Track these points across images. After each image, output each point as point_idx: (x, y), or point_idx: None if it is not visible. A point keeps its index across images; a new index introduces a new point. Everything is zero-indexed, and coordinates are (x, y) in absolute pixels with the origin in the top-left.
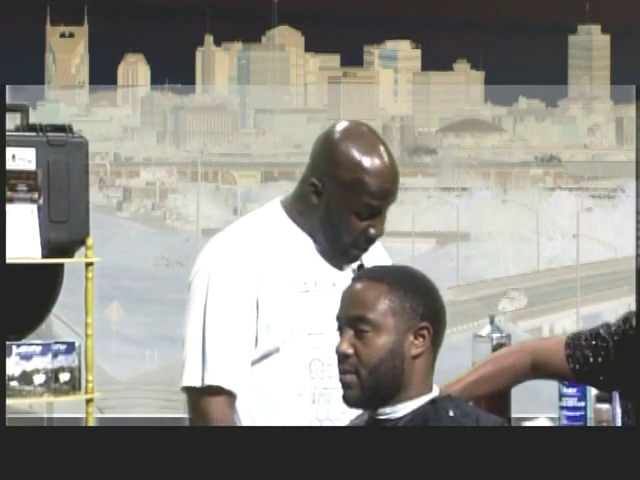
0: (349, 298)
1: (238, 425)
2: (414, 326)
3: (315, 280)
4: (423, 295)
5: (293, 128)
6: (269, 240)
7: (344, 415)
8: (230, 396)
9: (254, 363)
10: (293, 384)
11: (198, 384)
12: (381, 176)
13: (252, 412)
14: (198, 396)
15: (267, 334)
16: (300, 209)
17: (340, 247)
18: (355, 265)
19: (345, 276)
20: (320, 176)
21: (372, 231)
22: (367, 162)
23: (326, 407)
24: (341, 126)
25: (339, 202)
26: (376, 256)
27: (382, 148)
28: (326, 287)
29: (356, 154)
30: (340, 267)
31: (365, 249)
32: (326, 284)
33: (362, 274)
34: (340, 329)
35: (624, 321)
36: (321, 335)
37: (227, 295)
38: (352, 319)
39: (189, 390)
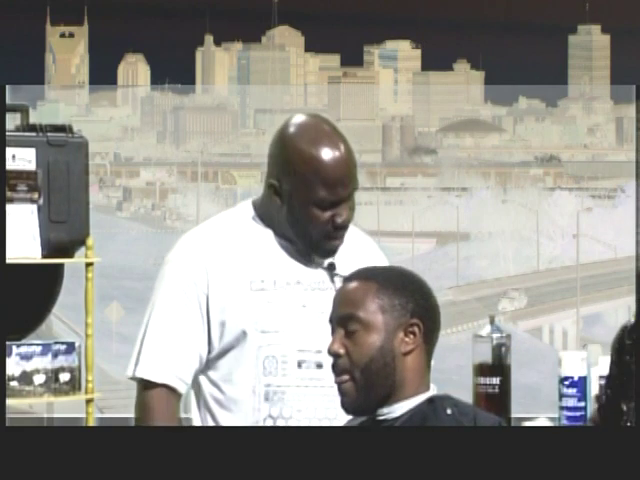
0: (339, 298)
1: (179, 417)
2: (404, 323)
3: (274, 278)
4: (413, 292)
5: None
6: (229, 238)
7: (299, 413)
8: (167, 388)
9: (213, 360)
10: (247, 381)
11: (130, 375)
12: (334, 165)
13: (212, 409)
14: (138, 386)
15: (221, 332)
16: (267, 210)
17: (312, 242)
18: (326, 263)
19: (312, 274)
20: (277, 175)
21: (338, 220)
22: (319, 153)
23: (279, 405)
24: (292, 121)
25: (298, 197)
26: (369, 256)
27: (334, 137)
28: (287, 285)
29: (307, 147)
30: (308, 264)
31: (337, 238)
32: (287, 282)
33: (352, 274)
34: (332, 330)
35: (622, 330)
36: (276, 333)
37: (171, 292)
38: (342, 318)
39: (131, 379)
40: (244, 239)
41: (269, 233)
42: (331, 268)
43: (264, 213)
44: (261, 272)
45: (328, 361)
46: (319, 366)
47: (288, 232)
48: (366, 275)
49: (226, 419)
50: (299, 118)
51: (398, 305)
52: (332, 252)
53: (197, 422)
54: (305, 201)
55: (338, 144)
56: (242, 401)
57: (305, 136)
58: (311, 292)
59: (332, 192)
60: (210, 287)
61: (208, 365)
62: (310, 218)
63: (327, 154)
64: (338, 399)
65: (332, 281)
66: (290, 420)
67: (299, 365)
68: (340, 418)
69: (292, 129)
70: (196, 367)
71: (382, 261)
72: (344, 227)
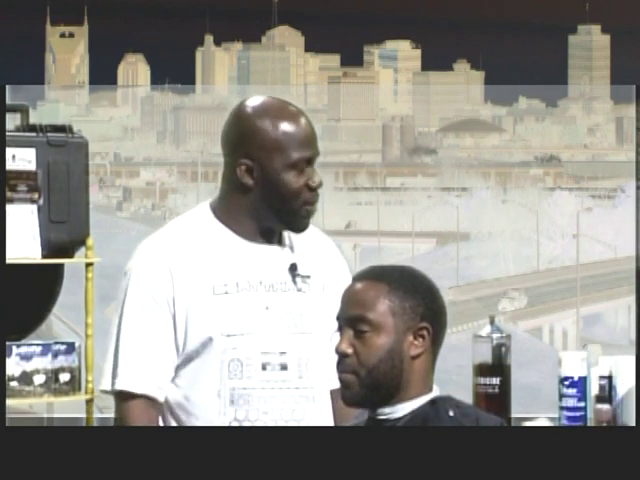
0: (349, 298)
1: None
2: (414, 326)
3: (237, 280)
4: (423, 295)
5: None
6: (190, 241)
7: (266, 416)
8: (146, 399)
9: (178, 367)
10: (212, 386)
11: (109, 388)
12: (303, 125)
13: (178, 416)
14: (115, 400)
15: (185, 339)
16: (229, 206)
17: (291, 211)
18: (288, 264)
19: (274, 275)
20: (246, 154)
21: (312, 183)
22: (283, 117)
23: (245, 408)
24: (241, 105)
25: (275, 165)
26: (329, 256)
27: (293, 106)
28: (250, 286)
29: (269, 116)
30: (270, 265)
31: (313, 202)
32: (250, 283)
33: (362, 274)
34: (340, 329)
35: None
36: (241, 336)
37: (139, 299)
38: (352, 319)
39: (105, 393)
40: (205, 242)
41: (229, 234)
42: (293, 269)
43: (224, 213)
44: (223, 275)
45: (292, 363)
46: (283, 368)
47: (263, 212)
48: (376, 275)
49: (192, 424)
50: (247, 101)
51: (409, 308)
52: (307, 223)
53: None
54: (282, 167)
55: (298, 110)
56: (207, 405)
57: (267, 110)
58: (273, 293)
59: (305, 150)
60: (175, 290)
61: (173, 372)
62: (288, 184)
63: (294, 117)
64: (304, 400)
65: (294, 282)
66: (256, 423)
67: (263, 367)
68: (307, 419)
69: (250, 110)
70: (171, 374)
71: (342, 262)
72: (317, 190)
